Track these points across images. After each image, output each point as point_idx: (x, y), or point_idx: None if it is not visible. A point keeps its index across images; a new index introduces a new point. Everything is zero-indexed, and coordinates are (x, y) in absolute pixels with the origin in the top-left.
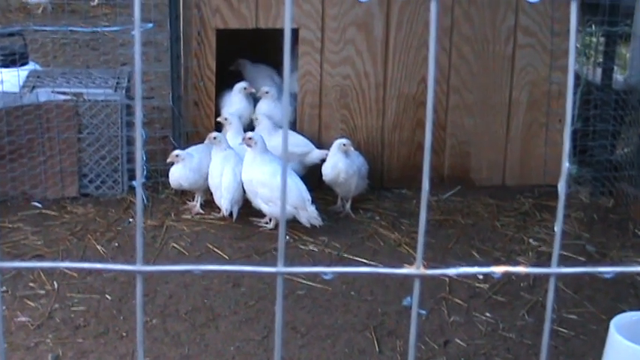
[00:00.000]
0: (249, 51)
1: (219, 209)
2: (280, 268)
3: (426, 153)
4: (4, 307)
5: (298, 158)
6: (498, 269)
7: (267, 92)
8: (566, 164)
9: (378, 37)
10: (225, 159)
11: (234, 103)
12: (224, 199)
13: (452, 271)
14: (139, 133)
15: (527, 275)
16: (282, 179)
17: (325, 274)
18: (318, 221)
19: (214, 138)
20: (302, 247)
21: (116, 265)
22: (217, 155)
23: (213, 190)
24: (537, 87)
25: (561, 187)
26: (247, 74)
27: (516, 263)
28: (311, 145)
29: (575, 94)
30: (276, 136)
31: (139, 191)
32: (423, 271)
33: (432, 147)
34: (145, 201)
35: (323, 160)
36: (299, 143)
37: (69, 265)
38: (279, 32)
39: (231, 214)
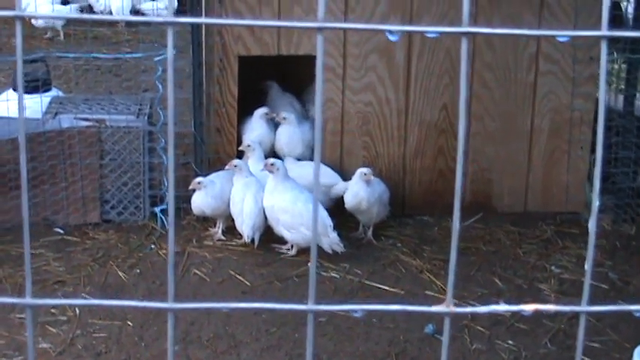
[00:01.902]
0: (270, 78)
1: (240, 236)
2: (311, 306)
3: (457, 199)
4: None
5: (323, 189)
6: (528, 307)
7: (284, 118)
8: (596, 203)
9: (399, 63)
10: (246, 185)
11: (255, 129)
12: (245, 226)
13: (483, 309)
14: (171, 170)
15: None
16: (314, 217)
17: (355, 311)
18: (339, 247)
19: (235, 166)
20: (324, 273)
21: (148, 303)
22: (239, 182)
23: (234, 216)
24: (559, 114)
25: (591, 225)
26: (271, 97)
27: (538, 291)
28: (337, 178)
29: (596, 121)
30: (300, 165)
31: (171, 234)
32: (453, 309)
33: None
34: (167, 227)
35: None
36: (325, 174)
37: (99, 302)
38: (301, 59)
39: (252, 240)
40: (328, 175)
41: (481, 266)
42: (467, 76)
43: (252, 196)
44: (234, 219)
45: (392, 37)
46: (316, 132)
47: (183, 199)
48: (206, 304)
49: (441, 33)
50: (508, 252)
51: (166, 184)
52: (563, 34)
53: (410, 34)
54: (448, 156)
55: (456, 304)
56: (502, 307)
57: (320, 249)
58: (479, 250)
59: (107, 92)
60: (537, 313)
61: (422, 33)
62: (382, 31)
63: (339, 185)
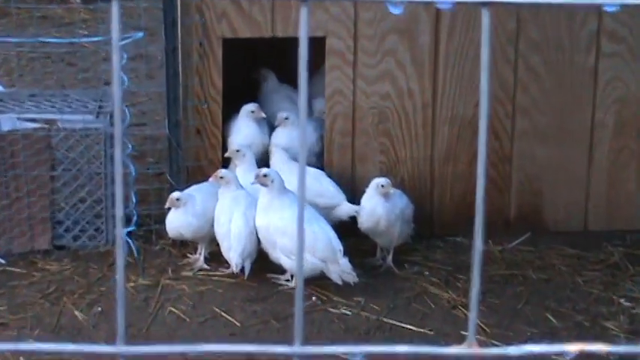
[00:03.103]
0: (263, 66)
1: (227, 264)
2: (296, 348)
3: (479, 205)
4: None
5: (323, 211)
6: (573, 348)
7: (286, 118)
8: None
9: (424, 46)
10: (234, 201)
11: (241, 129)
12: (233, 251)
13: (512, 350)
14: (118, 169)
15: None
16: (299, 232)
17: (354, 355)
18: (352, 277)
19: (221, 177)
20: (332, 310)
21: (92, 347)
22: (225, 196)
23: (220, 239)
24: (627, 106)
25: None
26: (265, 89)
27: (604, 330)
28: (340, 197)
29: None
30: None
31: (120, 256)
32: (475, 350)
33: (496, 184)
34: (136, 254)
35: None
36: (323, 193)
37: (30, 347)
38: None
39: (242, 269)
40: (329, 195)
41: (530, 299)
42: (489, 57)
43: (241, 214)
44: (220, 243)
45: (395, 11)
46: (300, 132)
47: (156, 218)
48: (165, 348)
49: (455, 4)
50: (564, 281)
51: (134, 200)
52: (610, 2)
53: (438, 10)
54: (487, 160)
55: (484, 344)
56: (537, 348)
57: (327, 279)
58: (527, 278)
59: (59, 86)
60: (599, 359)
61: (433, 4)
62: (383, 3)
63: (342, 207)
